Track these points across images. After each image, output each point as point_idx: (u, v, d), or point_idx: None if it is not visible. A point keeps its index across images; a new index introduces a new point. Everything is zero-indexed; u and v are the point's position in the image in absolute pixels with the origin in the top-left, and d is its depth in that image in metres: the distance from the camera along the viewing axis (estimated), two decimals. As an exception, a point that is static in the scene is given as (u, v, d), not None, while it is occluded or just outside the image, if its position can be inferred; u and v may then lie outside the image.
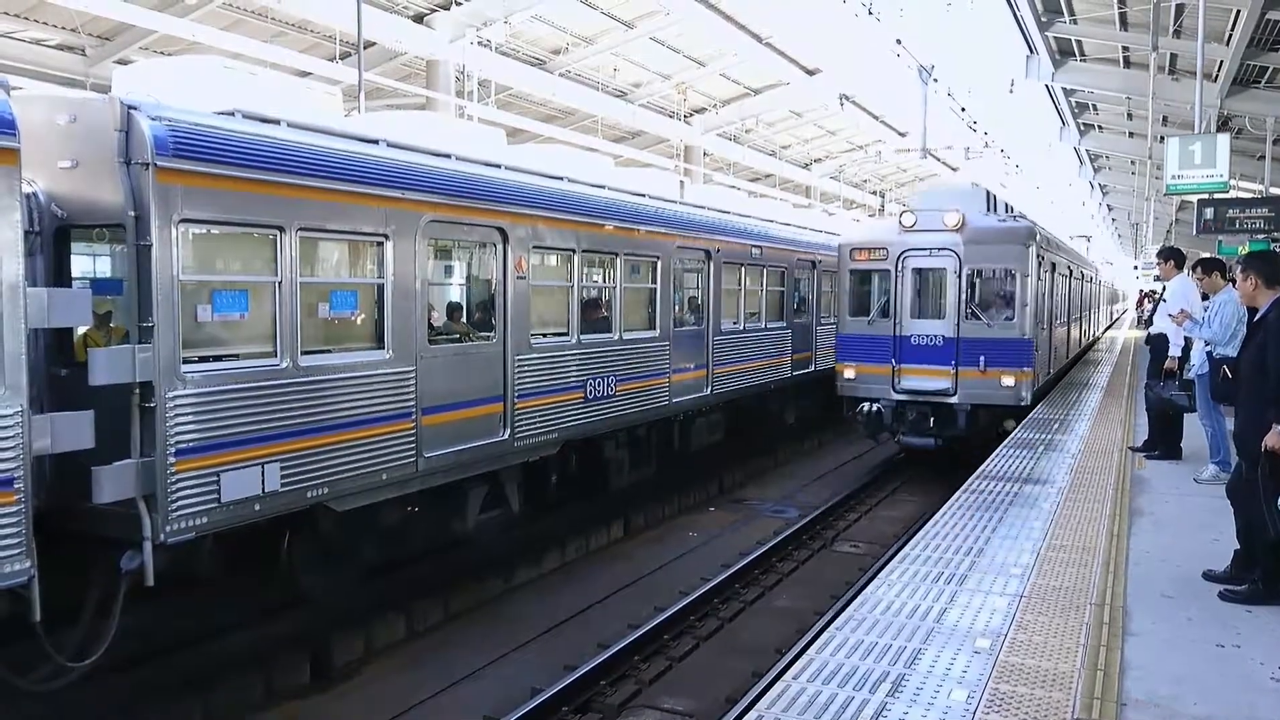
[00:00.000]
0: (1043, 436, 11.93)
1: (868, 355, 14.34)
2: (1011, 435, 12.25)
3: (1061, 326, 18.44)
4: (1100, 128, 29.35)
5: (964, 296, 13.75)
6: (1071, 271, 20.49)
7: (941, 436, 13.96)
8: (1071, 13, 18.48)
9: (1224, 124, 19.44)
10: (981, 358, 13.46)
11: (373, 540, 8.55)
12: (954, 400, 13.70)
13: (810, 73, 26.10)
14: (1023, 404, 13.53)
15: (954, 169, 37.70)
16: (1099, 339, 32.16)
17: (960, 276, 13.76)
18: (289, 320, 7.08)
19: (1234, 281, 9.39)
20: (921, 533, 7.36)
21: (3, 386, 5.25)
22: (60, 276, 6.50)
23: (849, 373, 14.55)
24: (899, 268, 14.20)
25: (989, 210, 14.85)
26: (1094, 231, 54.00)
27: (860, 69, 26.61)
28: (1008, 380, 13.37)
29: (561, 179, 10.59)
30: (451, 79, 19.25)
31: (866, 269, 14.65)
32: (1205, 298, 9.71)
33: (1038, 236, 14.08)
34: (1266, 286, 6.11)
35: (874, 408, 14.17)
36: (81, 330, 6.77)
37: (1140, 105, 22.12)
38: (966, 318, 13.73)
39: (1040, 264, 14.17)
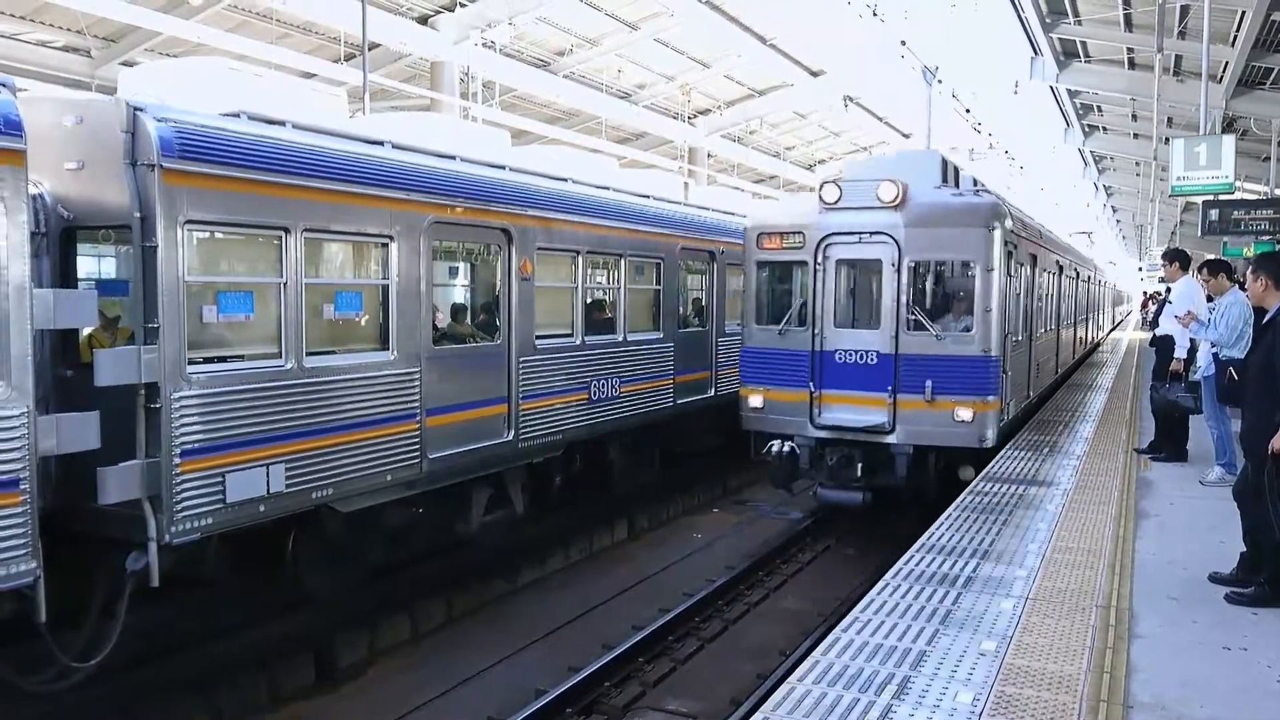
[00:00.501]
0: (1047, 439, 11.87)
1: (779, 376, 10.94)
2: (1015, 437, 11.74)
3: (1048, 335, 15.25)
4: (1105, 129, 29.34)
5: (905, 298, 10.33)
6: (1063, 268, 17.00)
7: (874, 488, 10.58)
8: (1076, 14, 18.48)
9: (1229, 125, 19.41)
10: (928, 382, 10.12)
11: (377, 541, 8.56)
12: (891, 439, 10.32)
13: (814, 74, 26.09)
14: (984, 445, 10.19)
15: (958, 170, 37.69)
16: (1100, 343, 31.41)
17: (900, 270, 10.32)
18: (294, 321, 7.09)
19: (1239, 283, 9.41)
20: (926, 534, 7.35)
21: (9, 388, 5.26)
22: (66, 278, 6.51)
23: (755, 399, 11.12)
24: (819, 259, 10.72)
25: (944, 182, 11.26)
26: (1098, 233, 53.89)
27: (864, 70, 26.52)
28: (963, 413, 10.06)
29: (566, 180, 10.60)
30: (456, 81, 19.27)
31: (778, 260, 11.27)
32: (1210, 299, 9.69)
33: (1006, 219, 10.49)
34: (1277, 288, 6.11)
35: (786, 447, 10.79)
36: (87, 331, 6.78)
37: (1145, 107, 22.10)
38: (909, 328, 10.33)
39: (1011, 255, 10.81)
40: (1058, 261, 16.14)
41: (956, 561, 6.61)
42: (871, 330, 10.65)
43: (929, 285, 10.88)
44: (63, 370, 6.46)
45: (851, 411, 10.55)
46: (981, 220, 10.28)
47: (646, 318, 12.38)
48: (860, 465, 10.48)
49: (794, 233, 10.99)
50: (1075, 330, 20.61)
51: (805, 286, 10.92)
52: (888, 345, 10.42)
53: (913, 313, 10.38)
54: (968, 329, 10.27)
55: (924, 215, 10.38)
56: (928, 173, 11.12)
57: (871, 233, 10.51)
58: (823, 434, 10.65)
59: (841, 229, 10.67)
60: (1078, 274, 20.50)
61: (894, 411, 10.32)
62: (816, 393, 10.70)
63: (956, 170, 11.99)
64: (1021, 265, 11.72)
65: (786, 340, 10.94)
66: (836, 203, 10.65)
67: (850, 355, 10.65)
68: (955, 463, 10.49)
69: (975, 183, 12.20)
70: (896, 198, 10.31)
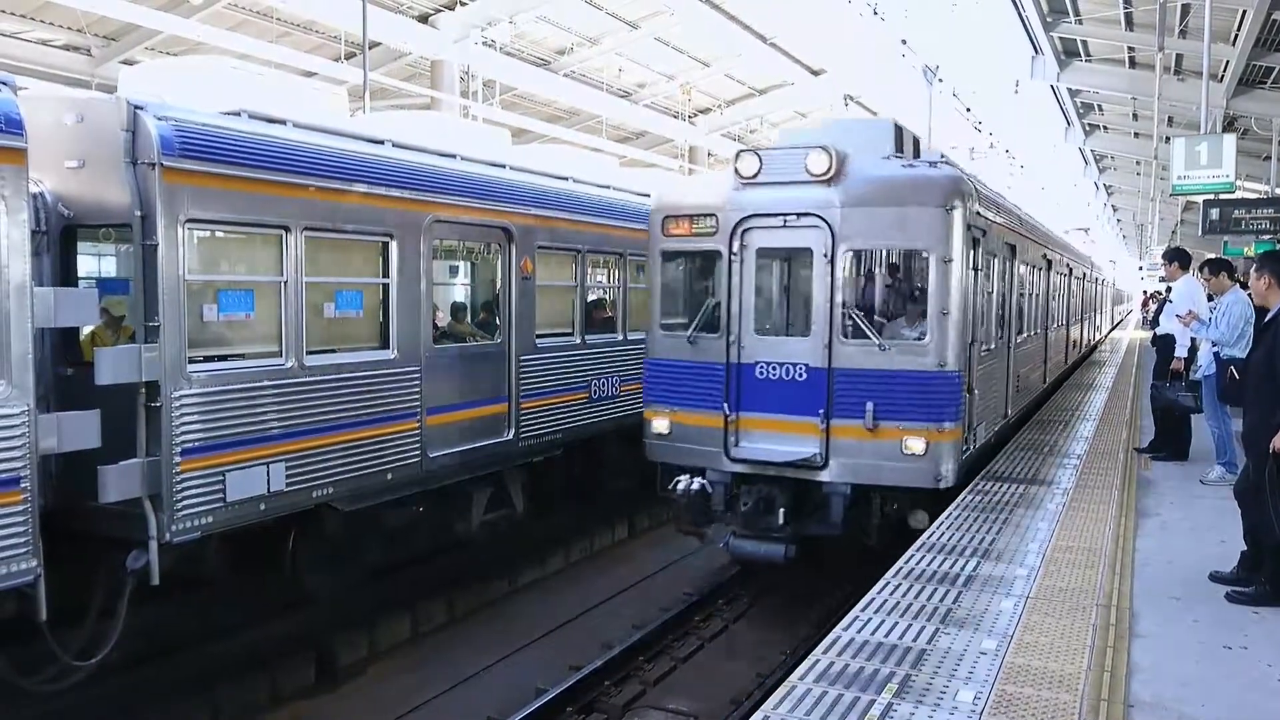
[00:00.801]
0: (1047, 439, 11.86)
1: (687, 395, 8.81)
2: (1017, 436, 11.50)
3: (1033, 341, 13.08)
4: (1105, 128, 29.36)
5: (841, 297, 8.26)
6: (1053, 263, 14.81)
7: (802, 538, 8.56)
8: (1077, 13, 18.49)
9: (1230, 124, 19.42)
10: (869, 404, 8.05)
11: (378, 541, 8.56)
12: (824, 477, 8.26)
13: (815, 73, 26.10)
14: (940, 484, 8.13)
15: (958, 170, 37.69)
16: (1099, 344, 31.01)
17: (834, 262, 8.19)
18: (294, 320, 7.10)
19: (1240, 283, 9.41)
20: (927, 534, 7.34)
21: (9, 386, 5.26)
22: (67, 276, 6.51)
23: (659, 424, 8.95)
24: (735, 247, 8.55)
25: (897, 153, 8.99)
26: (1099, 232, 53.91)
27: (865, 69, 26.53)
28: (914, 443, 8.00)
29: (566, 179, 10.60)
30: (456, 79, 19.28)
31: (687, 250, 9.10)
32: (1211, 298, 9.69)
33: (969, 197, 8.30)
34: (1280, 287, 6.12)
35: (695, 484, 8.64)
36: (88, 329, 6.78)
37: (1146, 106, 22.13)
38: (845, 335, 8.25)
39: (978, 243, 8.67)
40: (1045, 255, 14.12)
41: (957, 560, 6.60)
42: (800, 338, 8.57)
43: (873, 281, 9.22)
44: (63, 369, 6.46)
45: (775, 440, 8.45)
46: (937, 198, 8.04)
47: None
48: (783, 509, 8.38)
49: (704, 215, 8.76)
50: (1069, 333, 18.40)
51: (719, 283, 8.76)
52: (820, 357, 8.29)
53: (851, 316, 8.33)
54: (921, 336, 8.21)
55: (865, 192, 8.19)
56: (875, 142, 8.90)
57: (799, 214, 8.32)
58: (741, 468, 8.55)
59: (762, 210, 8.48)
60: (1071, 270, 18.32)
61: (827, 441, 8.21)
62: (732, 416, 8.55)
63: (916, 141, 9.82)
64: (993, 256, 9.64)
65: (697, 351, 8.79)
66: (755, 177, 8.47)
67: (774, 370, 8.50)
68: (905, 506, 8.52)
69: (941, 157, 9.72)
70: (829, 170, 8.15)
